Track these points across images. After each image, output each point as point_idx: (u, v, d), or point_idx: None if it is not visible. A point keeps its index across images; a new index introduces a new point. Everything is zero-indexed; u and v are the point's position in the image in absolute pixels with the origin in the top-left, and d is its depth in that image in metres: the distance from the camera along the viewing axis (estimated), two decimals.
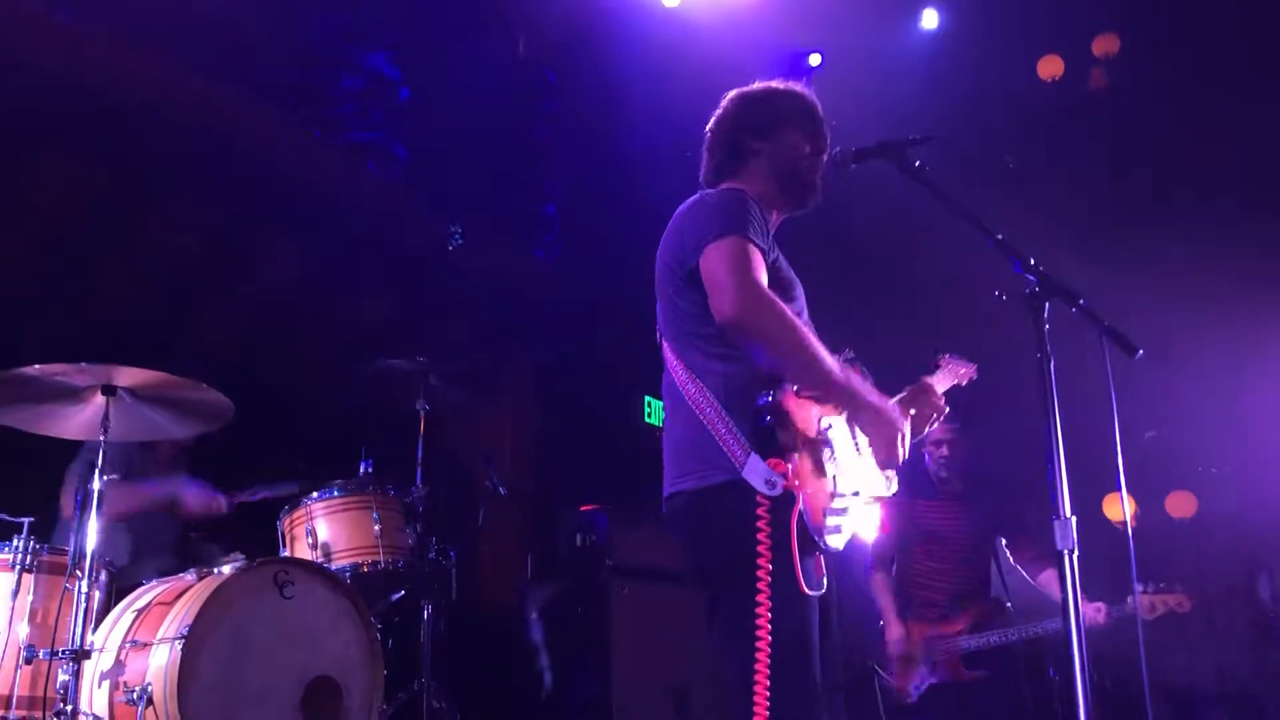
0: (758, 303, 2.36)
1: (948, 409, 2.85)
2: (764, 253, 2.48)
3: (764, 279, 2.43)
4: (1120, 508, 7.55)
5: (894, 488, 2.65)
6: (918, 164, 2.66)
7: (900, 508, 5.12)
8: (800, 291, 2.66)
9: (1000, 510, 5.23)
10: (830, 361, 2.43)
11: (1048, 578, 5.06)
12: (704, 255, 2.45)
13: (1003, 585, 5.20)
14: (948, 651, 4.90)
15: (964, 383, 3.15)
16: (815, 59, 7.26)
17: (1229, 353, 7.19)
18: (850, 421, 2.57)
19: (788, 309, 2.41)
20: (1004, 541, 5.21)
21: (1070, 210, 7.45)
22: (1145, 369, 2.58)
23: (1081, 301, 2.45)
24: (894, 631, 5.02)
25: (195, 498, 4.64)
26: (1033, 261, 2.48)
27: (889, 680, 4.99)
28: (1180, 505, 8.31)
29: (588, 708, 4.89)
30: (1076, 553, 2.30)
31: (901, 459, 2.50)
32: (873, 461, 2.57)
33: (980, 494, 5.22)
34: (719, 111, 2.84)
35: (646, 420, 7.71)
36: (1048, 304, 2.44)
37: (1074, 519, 2.31)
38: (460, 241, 6.48)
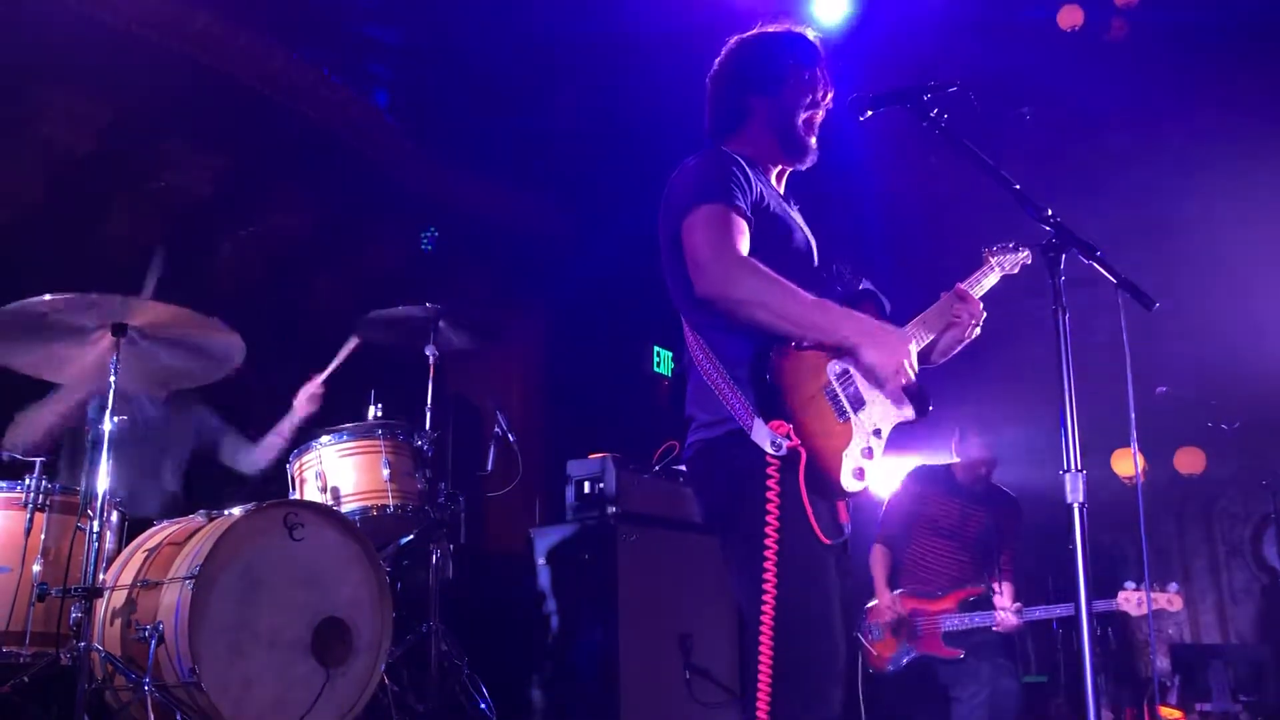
0: (730, 275, 2.35)
1: (985, 314, 2.73)
2: (742, 212, 2.45)
3: (740, 244, 2.41)
4: (1130, 463, 7.58)
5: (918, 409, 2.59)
6: (935, 112, 2.62)
7: (914, 497, 5.22)
8: (798, 234, 2.63)
9: (1004, 520, 5.36)
10: (820, 309, 2.39)
11: (1003, 590, 5.20)
12: (682, 227, 2.46)
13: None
14: (930, 628, 5.00)
15: (1016, 270, 2.96)
16: (829, 8, 7.13)
17: (1239, 305, 7.15)
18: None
19: (762, 268, 2.37)
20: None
21: (1083, 162, 7.38)
22: (1160, 323, 2.56)
23: (1099, 253, 2.42)
24: (883, 600, 5.20)
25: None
26: (1050, 212, 2.45)
27: (870, 649, 5.10)
28: (1189, 462, 8.31)
29: (594, 653, 4.93)
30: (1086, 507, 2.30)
31: (905, 383, 2.43)
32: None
33: (990, 501, 5.36)
34: (718, 61, 2.80)
35: (655, 369, 7.73)
36: (1064, 256, 2.41)
37: (1084, 473, 2.30)
38: (430, 246, 6.39)
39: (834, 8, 6.61)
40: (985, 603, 5.08)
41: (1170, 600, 4.78)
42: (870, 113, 2.68)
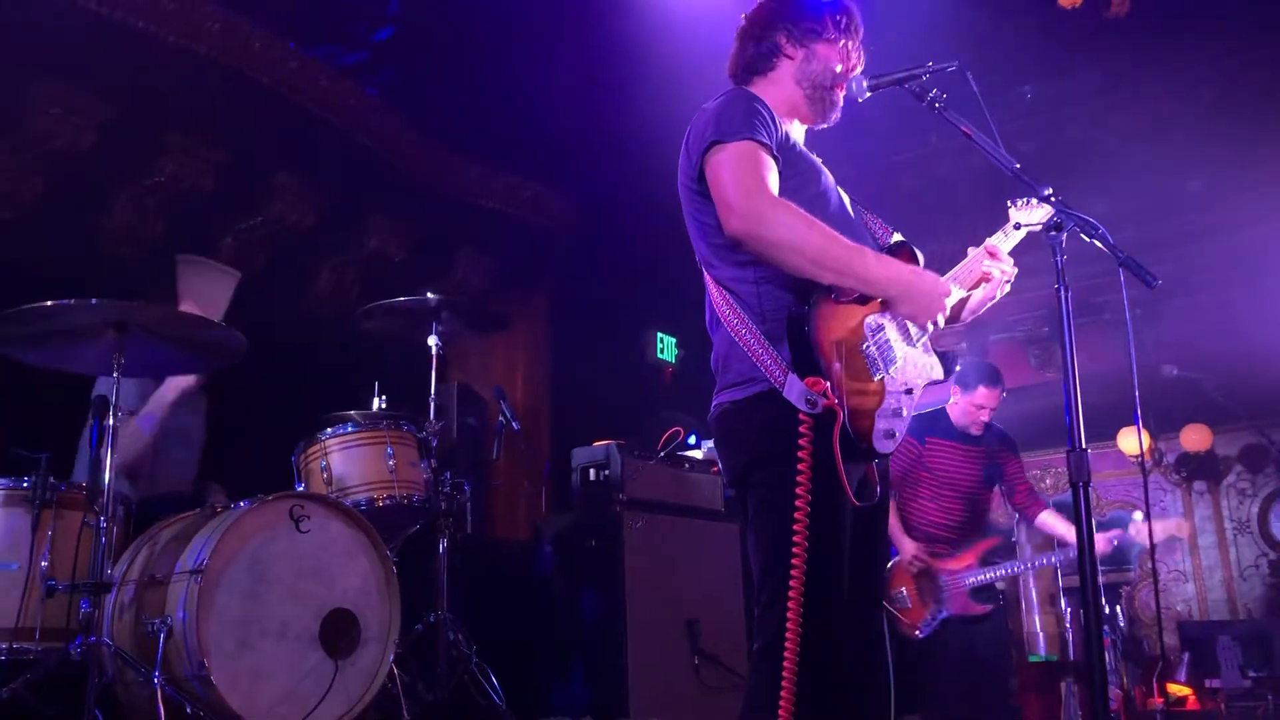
0: (764, 214, 2.27)
1: (1016, 270, 2.70)
2: (770, 150, 2.38)
3: (771, 181, 2.33)
4: (1135, 441, 7.57)
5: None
6: (934, 93, 2.60)
7: (910, 445, 5.10)
8: (826, 179, 2.57)
9: (1000, 456, 5.24)
10: (859, 255, 2.34)
11: (1044, 518, 5.19)
12: (707, 166, 2.38)
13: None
14: (956, 586, 4.95)
15: (1039, 227, 2.79)
16: None
17: (1246, 281, 7.13)
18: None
19: (798, 209, 2.31)
20: (1000, 487, 5.27)
21: (1088, 139, 7.35)
22: (1167, 301, 2.56)
23: (1101, 231, 2.41)
24: (907, 550, 5.02)
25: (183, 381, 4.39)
26: (1049, 191, 2.44)
27: (897, 616, 5.02)
28: (1196, 439, 8.30)
29: (602, 639, 4.94)
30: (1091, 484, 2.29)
31: (933, 328, 2.44)
32: (923, 348, 2.49)
33: (985, 439, 5.21)
34: (757, 4, 2.73)
35: (659, 355, 7.72)
36: (1065, 235, 2.40)
37: (1088, 451, 2.29)
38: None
39: None
40: (1005, 553, 5.04)
41: (1179, 526, 4.87)
42: (869, 93, 2.66)
